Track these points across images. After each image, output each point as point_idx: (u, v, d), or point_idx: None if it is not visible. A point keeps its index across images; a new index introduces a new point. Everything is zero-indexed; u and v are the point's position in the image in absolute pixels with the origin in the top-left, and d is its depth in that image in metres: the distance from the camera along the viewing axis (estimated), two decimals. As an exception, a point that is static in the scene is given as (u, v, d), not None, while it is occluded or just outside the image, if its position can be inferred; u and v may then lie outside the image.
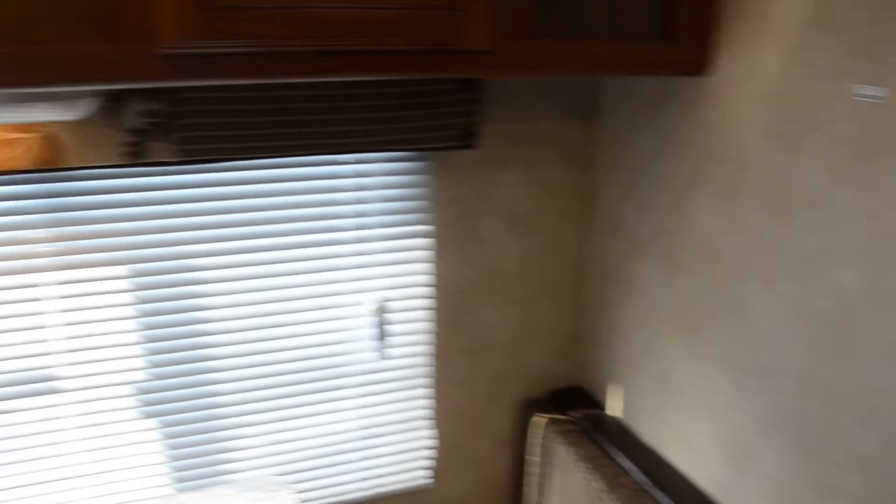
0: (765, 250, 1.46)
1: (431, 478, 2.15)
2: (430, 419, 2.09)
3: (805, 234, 1.36)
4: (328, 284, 1.87)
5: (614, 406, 2.07)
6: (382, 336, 1.92)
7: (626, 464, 1.86)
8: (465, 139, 1.74)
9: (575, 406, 2.12)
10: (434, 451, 2.13)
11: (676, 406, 1.78)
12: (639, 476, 1.81)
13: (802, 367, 1.40)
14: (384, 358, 1.96)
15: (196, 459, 1.89)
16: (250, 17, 1.15)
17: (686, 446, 1.77)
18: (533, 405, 2.16)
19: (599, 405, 2.13)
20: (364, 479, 2.08)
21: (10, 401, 1.67)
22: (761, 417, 1.52)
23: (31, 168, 1.48)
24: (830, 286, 1.32)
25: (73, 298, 1.66)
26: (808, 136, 1.33)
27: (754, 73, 1.44)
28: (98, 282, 1.68)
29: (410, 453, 2.10)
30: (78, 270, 1.65)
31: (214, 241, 1.75)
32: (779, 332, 1.45)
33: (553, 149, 1.98)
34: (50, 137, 1.48)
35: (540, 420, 2.08)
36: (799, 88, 1.35)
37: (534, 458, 2.12)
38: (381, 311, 1.90)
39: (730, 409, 1.60)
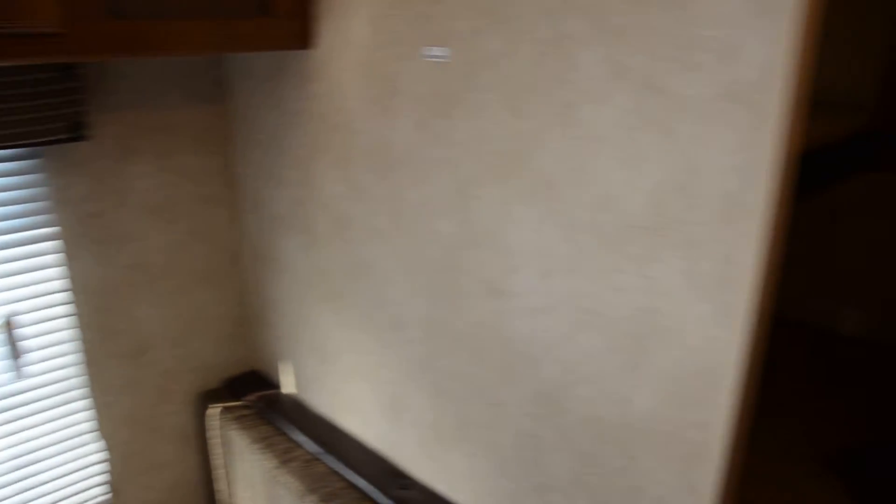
0: (379, 210, 1.54)
1: (108, 493, 2.02)
2: (94, 432, 1.95)
3: (407, 190, 1.45)
4: (-58, 307, 1.67)
5: (287, 383, 2.08)
6: (17, 353, 1.75)
7: (300, 437, 1.88)
8: (73, 131, 1.62)
9: (252, 390, 2.11)
10: (107, 464, 2.00)
11: (337, 373, 1.83)
12: (311, 447, 1.84)
13: (423, 314, 1.50)
14: (23, 377, 1.79)
15: None
16: None
17: (352, 410, 1.83)
18: (210, 397, 2.11)
19: (275, 385, 2.13)
20: (29, 512, 1.90)
21: None
22: (403, 369, 1.61)
23: None
24: (433, 235, 1.42)
25: None
26: (396, 98, 1.41)
27: (349, 43, 1.50)
28: None
29: (78, 473, 1.95)
30: None
31: None
32: (401, 286, 1.54)
33: (185, 134, 1.91)
34: None
35: (214, 411, 2.04)
36: (383, 55, 1.42)
37: (216, 450, 2.08)
38: (11, 326, 1.73)
39: (378, 366, 1.68)
